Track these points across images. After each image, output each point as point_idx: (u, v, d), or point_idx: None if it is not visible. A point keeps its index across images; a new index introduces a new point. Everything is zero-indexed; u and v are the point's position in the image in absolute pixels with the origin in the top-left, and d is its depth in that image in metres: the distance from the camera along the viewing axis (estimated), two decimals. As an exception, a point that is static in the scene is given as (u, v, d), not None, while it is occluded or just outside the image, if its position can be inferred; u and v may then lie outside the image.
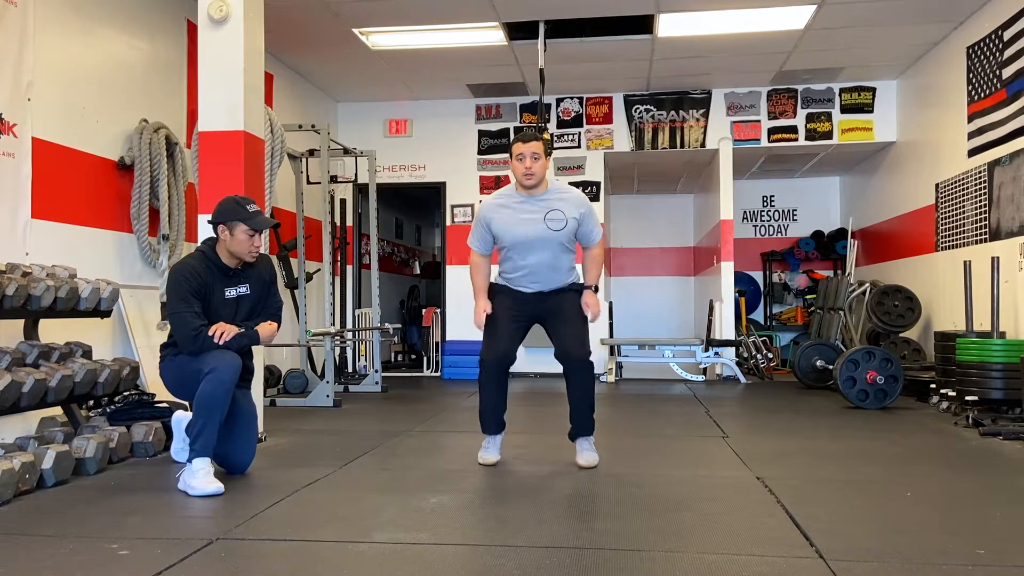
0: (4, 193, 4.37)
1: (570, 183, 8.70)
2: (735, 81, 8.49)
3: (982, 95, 6.39)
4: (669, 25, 6.80)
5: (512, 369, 3.99)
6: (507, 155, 8.96)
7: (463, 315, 8.87)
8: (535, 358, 8.23)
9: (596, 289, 3.99)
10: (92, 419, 4.22)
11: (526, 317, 3.93)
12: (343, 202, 8.71)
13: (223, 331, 3.50)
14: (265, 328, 3.69)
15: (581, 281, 3.98)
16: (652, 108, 8.81)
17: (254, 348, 3.86)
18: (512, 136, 8.96)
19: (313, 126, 6.96)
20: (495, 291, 3.99)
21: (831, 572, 2.32)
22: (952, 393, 5.53)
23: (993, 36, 6.20)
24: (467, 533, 2.82)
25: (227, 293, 3.64)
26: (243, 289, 3.68)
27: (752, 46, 7.36)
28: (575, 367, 3.83)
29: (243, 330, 3.59)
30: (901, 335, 7.53)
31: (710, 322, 8.97)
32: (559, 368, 3.90)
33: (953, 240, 6.94)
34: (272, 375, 7.00)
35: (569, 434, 3.97)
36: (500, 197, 3.92)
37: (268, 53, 5.87)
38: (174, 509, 3.13)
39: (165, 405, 4.43)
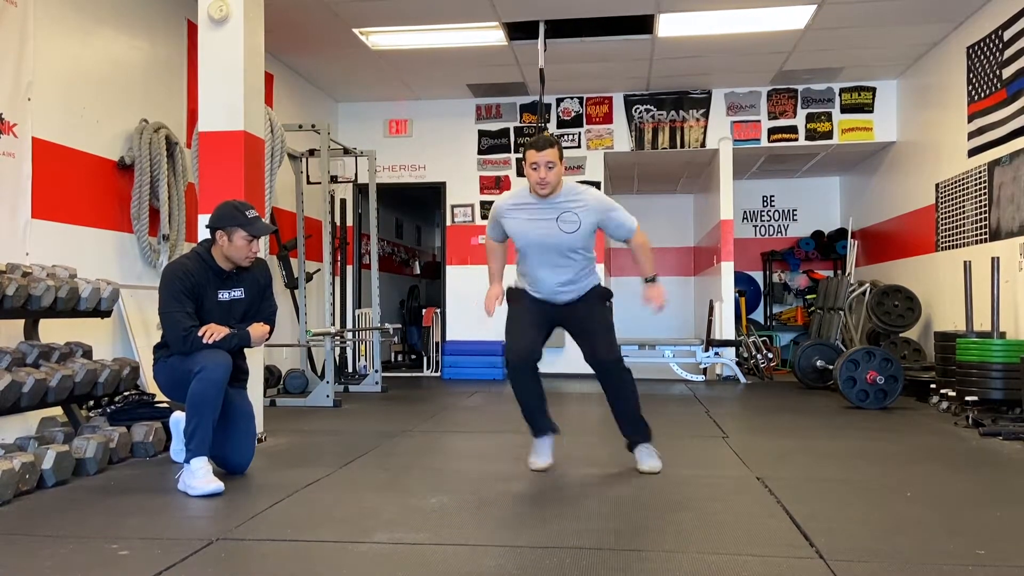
0: (4, 193, 4.37)
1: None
2: (735, 81, 8.49)
3: (982, 95, 6.39)
4: (669, 25, 6.80)
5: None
6: (507, 155, 9.07)
7: (463, 315, 8.87)
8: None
9: (654, 278, 3.84)
10: (92, 419, 4.22)
11: (547, 320, 3.83)
12: (343, 202, 8.71)
13: (212, 332, 3.48)
14: (256, 329, 3.67)
15: (600, 283, 3.90)
16: (652, 108, 8.81)
17: (250, 349, 3.84)
18: (512, 137, 8.97)
19: (313, 126, 6.96)
20: (514, 292, 3.91)
21: (831, 572, 2.32)
22: (952, 393, 5.53)
23: (993, 36, 6.20)
24: (467, 533, 2.82)
25: (220, 296, 3.63)
26: (238, 292, 3.67)
27: (752, 46, 7.36)
28: (607, 371, 3.73)
29: (234, 331, 3.58)
30: (901, 335, 7.53)
31: (710, 322, 8.97)
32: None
33: (953, 240, 6.94)
34: (272, 375, 7.00)
35: (627, 445, 3.84)
36: (515, 198, 3.85)
37: (268, 53, 5.87)
38: (174, 509, 3.13)
39: (165, 405, 4.43)
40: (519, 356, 3.70)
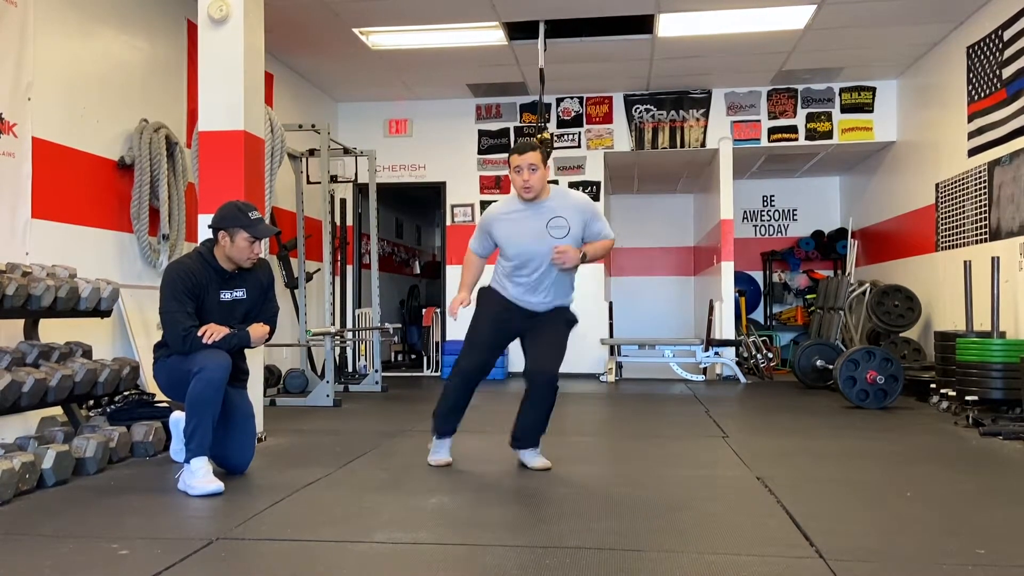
0: (4, 193, 4.36)
1: (570, 183, 8.77)
2: (735, 81, 8.49)
3: (982, 95, 6.39)
4: (669, 25, 6.80)
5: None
6: (507, 154, 9.02)
7: (463, 315, 8.79)
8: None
9: (584, 257, 3.71)
10: (92, 419, 4.22)
11: (510, 332, 3.89)
12: (343, 202, 8.71)
13: (212, 332, 3.48)
14: (256, 330, 3.67)
15: (573, 303, 3.92)
16: (652, 108, 8.81)
17: (250, 349, 3.84)
18: (512, 137, 8.97)
19: (313, 126, 6.96)
20: (486, 294, 3.93)
21: (831, 572, 2.32)
22: (952, 393, 5.53)
23: (993, 36, 6.20)
24: (467, 533, 2.82)
25: (222, 296, 3.62)
26: (239, 293, 3.67)
27: (752, 46, 7.36)
28: (542, 386, 3.74)
29: (233, 331, 3.58)
30: (901, 335, 7.53)
31: (710, 322, 8.97)
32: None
33: (953, 240, 6.94)
34: (272, 375, 7.00)
35: (512, 443, 3.89)
36: (505, 206, 3.87)
37: (268, 53, 5.87)
38: (174, 509, 3.13)
39: (165, 405, 4.43)
40: (472, 368, 3.87)
